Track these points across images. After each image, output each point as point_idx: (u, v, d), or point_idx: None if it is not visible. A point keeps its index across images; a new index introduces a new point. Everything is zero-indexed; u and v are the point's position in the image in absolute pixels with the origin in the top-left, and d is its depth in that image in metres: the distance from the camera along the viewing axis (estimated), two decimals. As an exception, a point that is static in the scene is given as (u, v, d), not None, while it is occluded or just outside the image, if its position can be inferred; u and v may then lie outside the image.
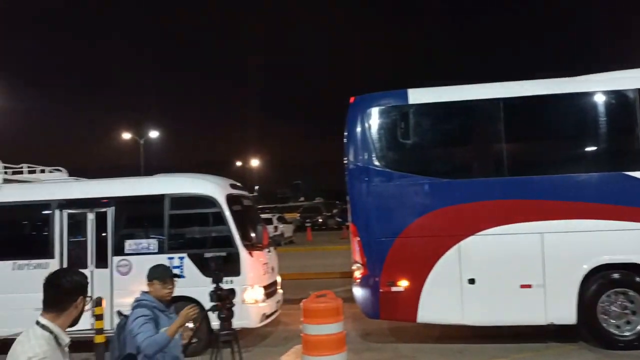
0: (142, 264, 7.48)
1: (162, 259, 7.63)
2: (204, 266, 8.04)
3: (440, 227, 7.79)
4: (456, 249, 7.69)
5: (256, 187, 59.14)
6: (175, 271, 4.26)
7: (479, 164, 8.39)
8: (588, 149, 8.19)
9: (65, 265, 8.56)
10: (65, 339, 2.57)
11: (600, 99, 7.86)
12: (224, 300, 5.35)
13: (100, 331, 7.22)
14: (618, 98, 7.87)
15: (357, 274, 8.08)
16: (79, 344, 6.77)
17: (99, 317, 7.31)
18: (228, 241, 8.36)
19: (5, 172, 9.66)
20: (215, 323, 6.40)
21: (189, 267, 8.27)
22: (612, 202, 7.49)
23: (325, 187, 73.76)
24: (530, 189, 7.71)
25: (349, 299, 8.35)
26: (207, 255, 8.10)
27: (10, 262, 8.64)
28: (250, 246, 8.50)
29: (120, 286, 8.36)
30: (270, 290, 8.90)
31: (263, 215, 19.65)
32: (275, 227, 26.86)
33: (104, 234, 8.72)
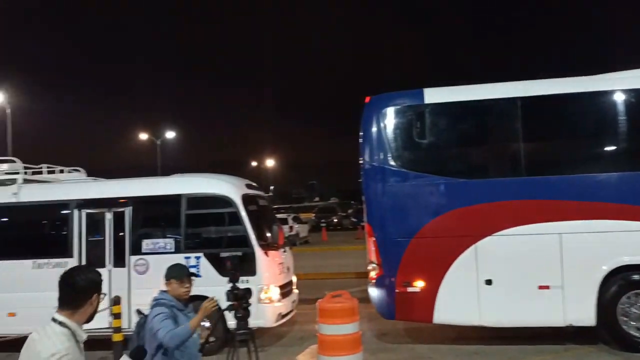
0: (159, 263, 7.59)
1: (179, 259, 7.69)
2: (220, 266, 8.11)
3: (457, 227, 7.73)
4: (473, 249, 7.63)
5: (271, 187, 59.35)
6: (192, 271, 4.29)
7: (496, 164, 8.32)
8: (607, 148, 8.07)
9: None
10: (83, 335, 2.59)
11: (619, 98, 7.74)
12: (240, 299, 5.37)
13: (118, 330, 7.31)
14: (638, 96, 7.75)
15: (373, 274, 8.06)
16: (97, 342, 6.88)
17: (116, 316, 7.41)
18: (244, 241, 8.39)
19: (25, 172, 9.79)
20: (231, 322, 6.44)
21: (205, 267, 8.32)
22: (632, 203, 7.38)
23: (340, 187, 73.84)
24: (548, 189, 7.62)
25: (365, 299, 8.34)
26: (223, 254, 8.17)
27: (30, 261, 8.79)
28: (266, 246, 8.53)
29: (138, 285, 8.45)
30: (286, 290, 8.93)
31: (278, 215, 19.67)
32: (291, 227, 26.91)
33: (121, 234, 8.82)
